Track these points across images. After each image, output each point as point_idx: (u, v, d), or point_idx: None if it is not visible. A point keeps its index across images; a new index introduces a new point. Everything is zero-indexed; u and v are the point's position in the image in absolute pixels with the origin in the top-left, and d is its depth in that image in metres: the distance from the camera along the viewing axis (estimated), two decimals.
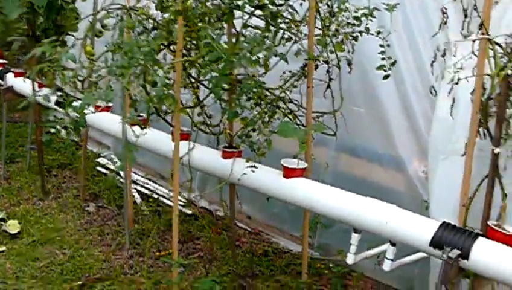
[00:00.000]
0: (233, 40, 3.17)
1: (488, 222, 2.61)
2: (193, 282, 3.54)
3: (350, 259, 2.89)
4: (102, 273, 3.80)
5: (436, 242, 2.48)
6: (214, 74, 2.83)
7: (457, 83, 2.74)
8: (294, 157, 3.08)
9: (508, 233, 2.51)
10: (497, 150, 2.58)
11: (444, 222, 2.57)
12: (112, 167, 5.57)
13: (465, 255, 2.40)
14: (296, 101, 3.41)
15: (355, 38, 3.36)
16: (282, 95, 3.31)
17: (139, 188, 5.20)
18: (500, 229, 2.54)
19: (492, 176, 2.63)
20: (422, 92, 3.45)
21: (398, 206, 2.77)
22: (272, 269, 3.90)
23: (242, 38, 3.05)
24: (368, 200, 2.82)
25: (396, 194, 3.55)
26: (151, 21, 3.24)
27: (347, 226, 3.90)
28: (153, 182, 5.37)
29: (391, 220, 2.66)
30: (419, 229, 2.60)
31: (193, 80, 3.28)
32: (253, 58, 2.75)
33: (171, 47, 3.16)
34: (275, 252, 4.13)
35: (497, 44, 2.59)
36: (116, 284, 3.63)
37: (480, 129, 2.72)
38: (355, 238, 2.85)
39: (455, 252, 2.40)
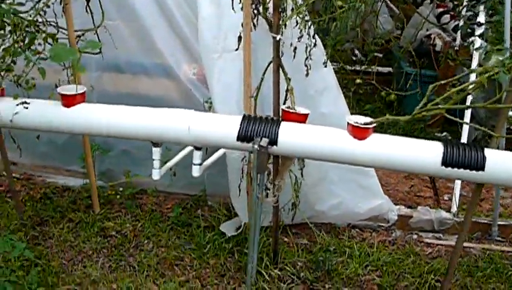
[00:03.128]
0: None
1: (282, 107, 2.73)
2: None
3: (156, 175, 2.80)
4: None
5: (244, 135, 2.53)
6: None
7: None
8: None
9: (300, 113, 2.67)
10: (278, 37, 2.67)
11: (244, 115, 2.62)
12: None
13: (274, 142, 2.51)
14: (54, 22, 3.05)
15: None
16: (37, 18, 2.91)
17: None
18: (293, 111, 2.69)
19: (277, 63, 2.74)
20: None
21: None
22: (61, 211, 3.59)
23: None
24: (163, 111, 2.71)
25: (171, 101, 3.47)
26: None
27: (125, 147, 3.81)
28: None
29: (193, 125, 2.61)
30: (223, 127, 2.61)
31: None
32: None
33: None
34: (56, 192, 3.81)
35: None
36: None
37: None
38: (156, 152, 2.75)
39: (265, 141, 2.49)
